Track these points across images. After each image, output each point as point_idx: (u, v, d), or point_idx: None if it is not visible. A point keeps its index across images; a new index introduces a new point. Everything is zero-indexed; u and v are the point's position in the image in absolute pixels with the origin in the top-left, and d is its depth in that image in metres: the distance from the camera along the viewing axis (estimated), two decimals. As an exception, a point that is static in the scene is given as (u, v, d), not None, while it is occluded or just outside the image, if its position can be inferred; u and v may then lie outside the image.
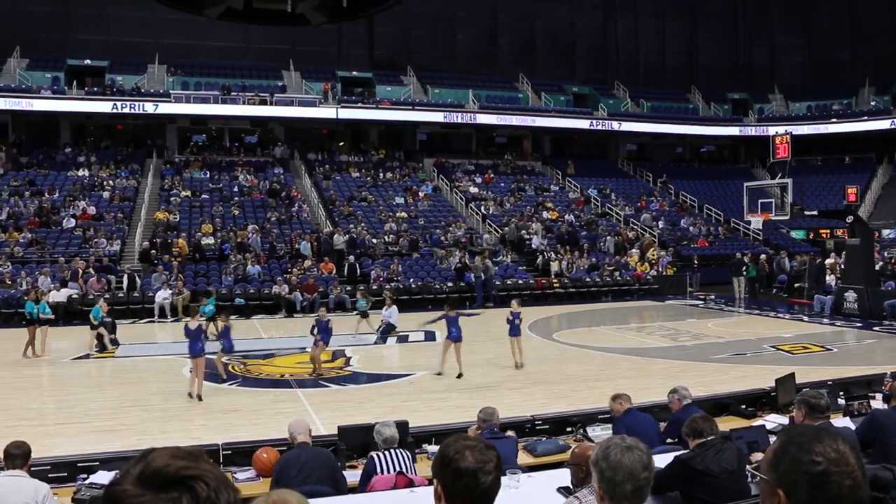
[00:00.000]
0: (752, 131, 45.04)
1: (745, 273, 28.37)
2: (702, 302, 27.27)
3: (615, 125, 42.83)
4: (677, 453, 5.55)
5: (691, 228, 35.90)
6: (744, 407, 8.80)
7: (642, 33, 48.80)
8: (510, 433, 7.48)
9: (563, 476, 5.50)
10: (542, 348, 18.59)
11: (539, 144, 45.02)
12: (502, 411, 7.53)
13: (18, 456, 5.86)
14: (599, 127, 42.71)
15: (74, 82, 36.85)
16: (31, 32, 38.13)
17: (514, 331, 15.14)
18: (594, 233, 33.89)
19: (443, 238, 31.30)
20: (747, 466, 5.38)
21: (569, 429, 8.44)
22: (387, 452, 6.39)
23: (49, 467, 6.85)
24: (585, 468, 4.63)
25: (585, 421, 8.45)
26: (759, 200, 27.86)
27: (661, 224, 35.75)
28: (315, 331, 14.77)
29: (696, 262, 31.48)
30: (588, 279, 29.46)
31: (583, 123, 42.59)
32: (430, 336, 18.80)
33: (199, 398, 12.64)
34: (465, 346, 18.03)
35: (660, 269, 30.72)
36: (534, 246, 31.60)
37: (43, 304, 18.34)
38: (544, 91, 44.31)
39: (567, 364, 16.01)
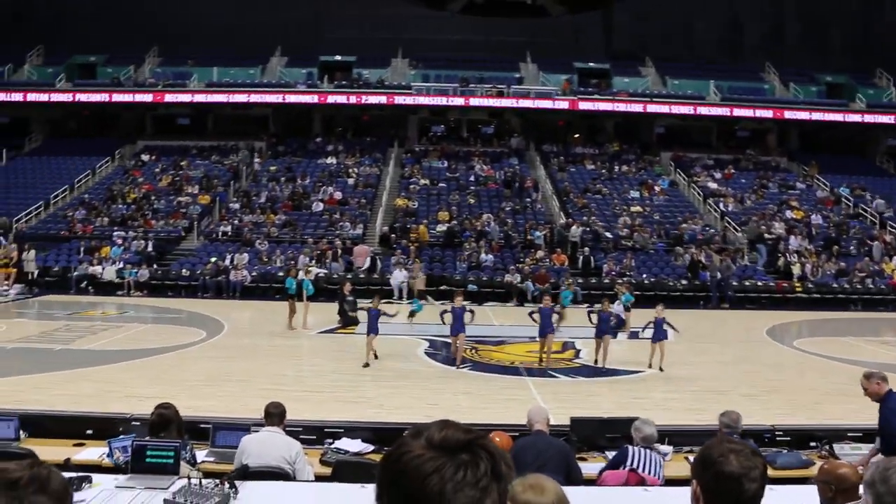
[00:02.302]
0: None
1: None
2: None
3: (874, 118, 39.25)
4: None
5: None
6: None
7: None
8: (750, 441, 7.14)
9: (808, 493, 5.12)
10: (780, 355, 17.58)
11: (785, 138, 42.25)
12: (738, 417, 7.18)
13: (276, 415, 6.41)
14: (855, 119, 39.37)
15: (326, 77, 39.44)
16: (289, 34, 41.33)
17: (660, 335, 14.38)
18: (862, 235, 31.27)
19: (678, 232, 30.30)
20: None
21: (812, 443, 7.86)
22: (641, 450, 6.34)
23: (300, 429, 7.39)
24: (835, 487, 4.30)
25: (832, 437, 7.83)
26: None
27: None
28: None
29: None
30: (835, 285, 27.34)
31: (836, 116, 39.36)
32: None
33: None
34: (698, 346, 17.49)
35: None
36: (791, 247, 29.69)
37: (307, 281, 19.87)
38: (793, 81, 41.50)
39: (808, 374, 14.97)
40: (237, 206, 31.68)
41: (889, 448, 6.40)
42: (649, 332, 14.65)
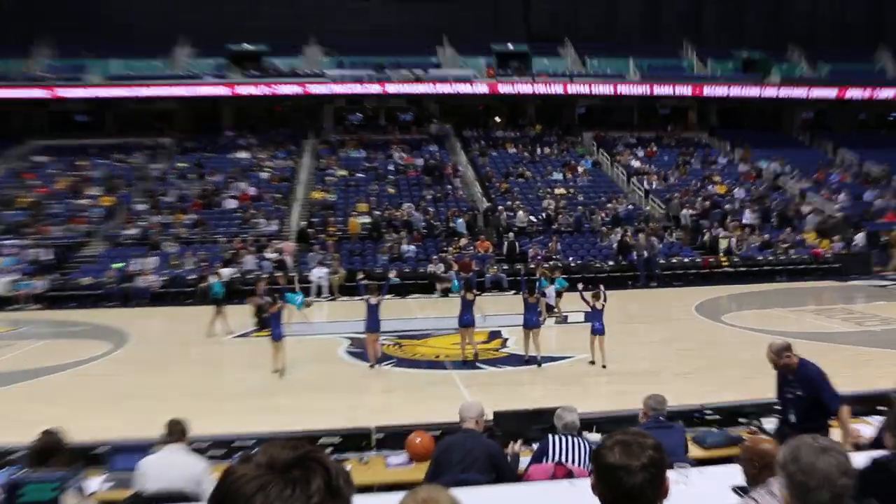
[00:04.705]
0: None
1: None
2: (891, 283, 25.30)
3: (789, 92, 40.36)
4: (875, 455, 4.96)
5: (878, 202, 33.26)
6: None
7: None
8: (678, 423, 7.09)
9: (738, 472, 5.10)
10: (709, 331, 17.78)
11: (705, 115, 43.14)
12: (667, 398, 7.12)
13: (177, 432, 6.03)
14: (771, 94, 40.41)
15: (235, 68, 38.56)
16: (194, 22, 40.12)
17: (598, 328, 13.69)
18: (784, 207, 32.03)
19: (602, 215, 30.62)
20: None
21: (741, 420, 7.95)
22: (563, 437, 6.16)
23: (208, 445, 7.04)
24: (758, 464, 4.27)
25: (760, 411, 7.90)
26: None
27: (841, 197, 33.31)
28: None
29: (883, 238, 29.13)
30: (760, 258, 28.03)
31: (753, 91, 40.39)
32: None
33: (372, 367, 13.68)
34: (628, 327, 17.56)
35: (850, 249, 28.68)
36: (744, 221, 30.29)
37: (217, 283, 19.32)
38: (711, 58, 42.39)
39: (738, 349, 15.10)
40: (143, 206, 30.67)
41: (818, 416, 6.40)
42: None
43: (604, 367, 13.30)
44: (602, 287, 14.31)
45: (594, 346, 13.61)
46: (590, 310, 13.79)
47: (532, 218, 30.09)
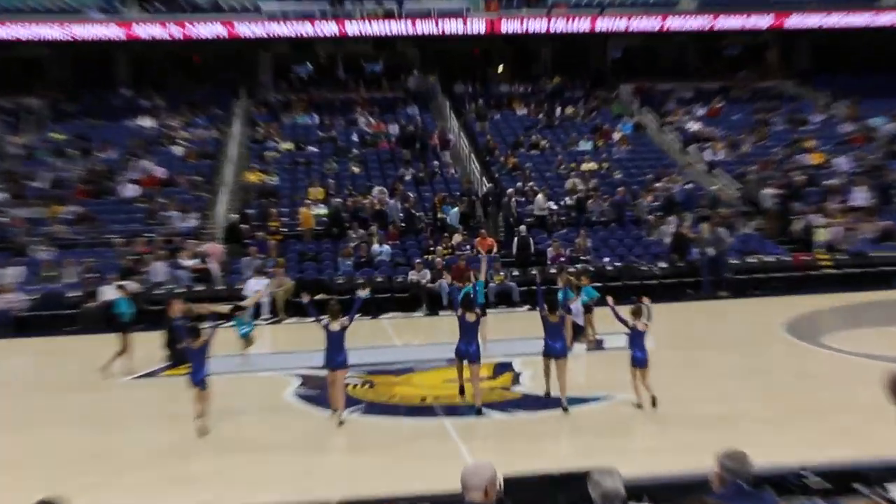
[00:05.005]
0: None
1: None
2: None
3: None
4: None
5: None
6: None
7: None
8: (767, 491, 6.96)
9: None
10: (806, 359, 17.80)
11: (791, 56, 43.21)
12: (749, 453, 6.98)
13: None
14: (887, 22, 40.41)
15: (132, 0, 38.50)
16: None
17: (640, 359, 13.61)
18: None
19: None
20: None
21: (858, 487, 7.97)
22: None
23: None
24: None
25: (886, 475, 7.81)
26: None
27: None
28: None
29: None
30: (875, 254, 27.97)
31: (859, 18, 40.42)
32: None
33: (341, 422, 13.26)
34: (688, 354, 17.44)
35: None
36: (851, 203, 30.20)
37: (123, 301, 19.19)
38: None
39: (849, 384, 14.95)
40: (1, 195, 30.39)
41: None
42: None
43: (654, 405, 13.23)
44: (647, 301, 14.09)
45: (637, 381, 13.53)
46: (629, 331, 13.68)
47: (552, 205, 30.09)
